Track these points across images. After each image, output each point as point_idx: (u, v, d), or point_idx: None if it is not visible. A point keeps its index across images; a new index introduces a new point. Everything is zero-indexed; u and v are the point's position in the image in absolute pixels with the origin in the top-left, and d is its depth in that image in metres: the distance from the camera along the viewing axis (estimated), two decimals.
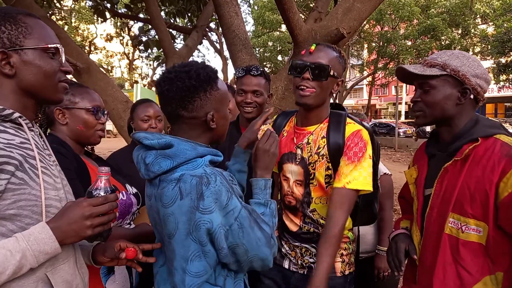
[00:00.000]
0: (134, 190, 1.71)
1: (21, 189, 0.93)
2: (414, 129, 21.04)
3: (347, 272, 1.63)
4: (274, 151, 1.32)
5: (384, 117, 37.10)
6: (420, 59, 17.99)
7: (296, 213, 1.64)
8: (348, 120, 1.59)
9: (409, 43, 18.73)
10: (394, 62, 19.67)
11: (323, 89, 1.51)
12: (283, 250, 1.71)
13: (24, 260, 0.90)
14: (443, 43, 18.26)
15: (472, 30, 18.84)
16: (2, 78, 1.00)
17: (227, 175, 1.15)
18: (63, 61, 1.09)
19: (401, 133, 20.91)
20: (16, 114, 1.00)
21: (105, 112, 1.62)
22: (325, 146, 1.55)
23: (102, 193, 1.03)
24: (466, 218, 1.26)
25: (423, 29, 17.57)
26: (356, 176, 1.48)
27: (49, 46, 1.03)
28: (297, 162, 1.61)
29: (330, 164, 1.55)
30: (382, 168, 2.26)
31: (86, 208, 0.98)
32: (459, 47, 18.28)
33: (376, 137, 1.67)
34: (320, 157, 1.56)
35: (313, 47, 1.52)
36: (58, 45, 1.05)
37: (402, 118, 31.41)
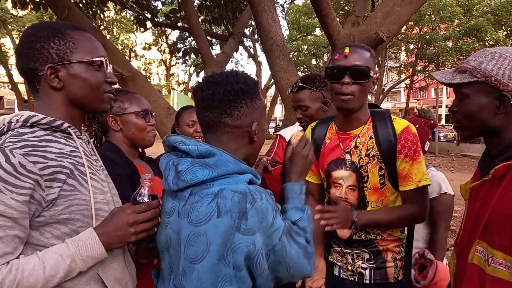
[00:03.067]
0: None
1: (72, 195, 1.00)
2: (456, 133, 20.12)
3: (400, 278, 1.59)
4: (310, 157, 1.29)
5: None
6: (462, 59, 17.29)
7: None
8: (392, 116, 1.57)
9: (450, 44, 18.04)
10: (434, 64, 19.00)
11: (363, 91, 1.50)
12: (330, 258, 1.69)
13: (73, 264, 0.97)
14: (486, 43, 17.45)
15: None
16: (51, 91, 1.06)
17: (268, 192, 1.06)
18: (108, 72, 1.13)
19: (442, 137, 20.07)
20: (66, 125, 1.06)
21: (153, 114, 1.70)
22: (374, 147, 1.53)
23: (145, 199, 1.07)
24: (493, 250, 1.05)
25: (465, 30, 16.87)
26: (424, 172, 1.52)
27: (94, 59, 1.07)
28: (347, 168, 1.58)
29: (382, 164, 1.52)
30: (444, 185, 2.13)
31: (130, 216, 1.03)
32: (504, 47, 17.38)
33: None
34: (371, 159, 1.53)
35: (347, 50, 1.48)
36: (102, 58, 1.09)
37: (443, 122, 30.19)
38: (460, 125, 1.23)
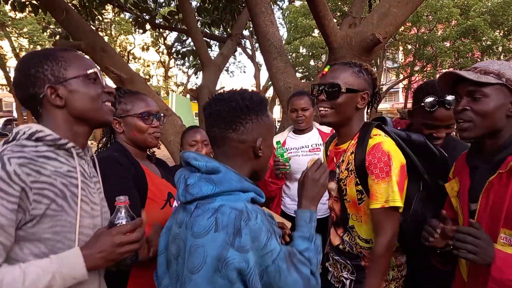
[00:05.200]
0: None
1: (58, 216, 1.00)
2: (454, 133, 20.12)
3: None
4: (324, 182, 1.27)
5: None
6: (460, 60, 17.32)
7: (338, 227, 1.68)
8: (374, 132, 1.55)
9: (448, 44, 18.08)
10: (431, 64, 19.04)
11: (340, 106, 1.53)
12: (327, 263, 1.76)
13: (53, 281, 0.96)
14: (484, 44, 17.50)
15: None
16: (55, 109, 1.09)
17: (268, 214, 1.09)
18: (105, 83, 1.18)
19: None
20: (70, 144, 1.09)
21: (159, 116, 1.69)
22: (352, 161, 1.55)
23: (124, 222, 1.08)
24: None
25: (463, 30, 16.92)
26: (394, 193, 1.41)
27: (88, 72, 1.11)
28: (334, 179, 1.65)
29: (358, 180, 1.52)
30: None
31: (116, 237, 1.04)
32: (501, 47, 17.44)
33: None
34: (350, 173, 1.56)
35: (326, 69, 1.58)
36: (95, 70, 1.14)
37: None
38: (471, 124, 1.29)
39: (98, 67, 1.15)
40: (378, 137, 1.52)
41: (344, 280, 1.63)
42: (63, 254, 1.00)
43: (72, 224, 1.03)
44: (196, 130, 2.42)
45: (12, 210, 0.92)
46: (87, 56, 1.19)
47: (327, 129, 2.78)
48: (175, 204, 1.59)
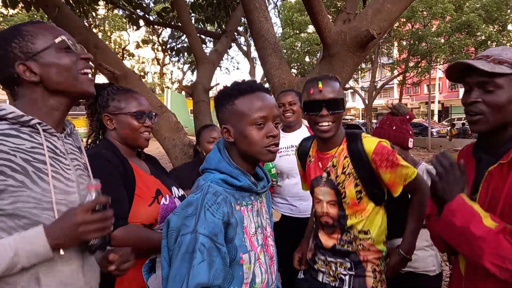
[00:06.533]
0: (181, 193, 1.77)
1: (19, 191, 0.99)
2: (449, 128, 20.31)
3: None
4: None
5: (416, 117, 36.05)
6: (454, 55, 17.38)
7: (334, 230, 1.72)
8: (363, 135, 1.68)
9: (442, 40, 18.15)
10: (426, 60, 19.11)
11: (339, 119, 1.66)
12: (316, 266, 1.79)
13: (16, 258, 0.96)
14: (478, 39, 17.58)
15: (510, 25, 18.03)
16: (33, 87, 1.07)
17: (218, 202, 1.13)
18: (80, 49, 1.13)
19: (434, 133, 20.24)
20: (35, 121, 1.06)
21: (152, 115, 1.69)
22: (349, 165, 1.65)
23: (97, 208, 1.06)
24: None
25: (457, 26, 17.00)
26: (407, 170, 1.62)
27: (56, 41, 1.08)
28: (323, 184, 1.72)
29: (358, 181, 1.64)
30: (429, 180, 2.12)
31: (79, 215, 1.02)
32: (496, 43, 17.53)
33: None
34: (347, 176, 1.66)
35: (320, 85, 1.63)
36: (64, 37, 1.09)
37: (435, 118, 30.40)
38: (482, 117, 1.22)
39: (67, 34, 1.11)
40: (372, 140, 1.65)
41: (343, 277, 1.69)
42: (25, 232, 0.99)
43: (37, 199, 1.01)
44: (212, 128, 2.63)
45: None
46: (54, 24, 1.14)
47: None
48: (163, 201, 1.59)
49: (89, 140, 1.73)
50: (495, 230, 1.10)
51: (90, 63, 1.16)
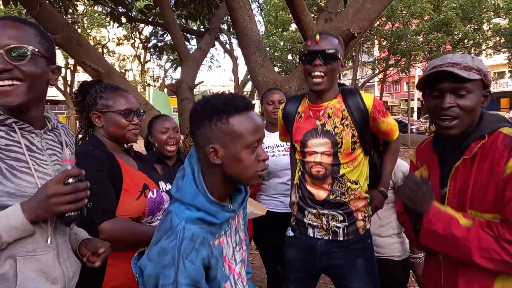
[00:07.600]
0: (168, 187, 1.79)
1: None
2: (428, 125, 20.80)
3: (368, 226, 1.86)
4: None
5: (396, 114, 36.75)
6: (433, 53, 17.77)
7: (325, 181, 1.79)
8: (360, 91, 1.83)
9: (421, 39, 18.54)
10: (405, 58, 19.50)
11: (333, 72, 1.74)
12: (305, 220, 1.84)
13: None
14: (456, 37, 18.03)
15: (485, 24, 18.58)
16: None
17: (209, 252, 1.05)
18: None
19: (414, 130, 20.73)
20: (11, 120, 1.11)
21: (139, 113, 1.71)
22: (348, 117, 1.77)
23: (70, 180, 1.07)
24: (483, 213, 1.27)
25: (435, 24, 17.39)
26: (396, 124, 1.87)
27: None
28: (321, 136, 1.80)
29: (355, 131, 1.76)
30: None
31: (50, 187, 1.05)
32: (472, 41, 18.02)
33: None
34: (345, 127, 1.77)
35: (317, 37, 1.73)
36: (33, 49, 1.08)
37: (415, 115, 31.05)
38: (458, 121, 1.31)
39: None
40: (367, 94, 1.81)
41: (337, 229, 1.79)
42: (6, 209, 1.03)
43: (10, 194, 1.05)
44: (165, 118, 2.51)
45: None
46: None
47: None
48: (150, 194, 1.63)
49: (79, 136, 1.74)
50: (474, 227, 1.23)
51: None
